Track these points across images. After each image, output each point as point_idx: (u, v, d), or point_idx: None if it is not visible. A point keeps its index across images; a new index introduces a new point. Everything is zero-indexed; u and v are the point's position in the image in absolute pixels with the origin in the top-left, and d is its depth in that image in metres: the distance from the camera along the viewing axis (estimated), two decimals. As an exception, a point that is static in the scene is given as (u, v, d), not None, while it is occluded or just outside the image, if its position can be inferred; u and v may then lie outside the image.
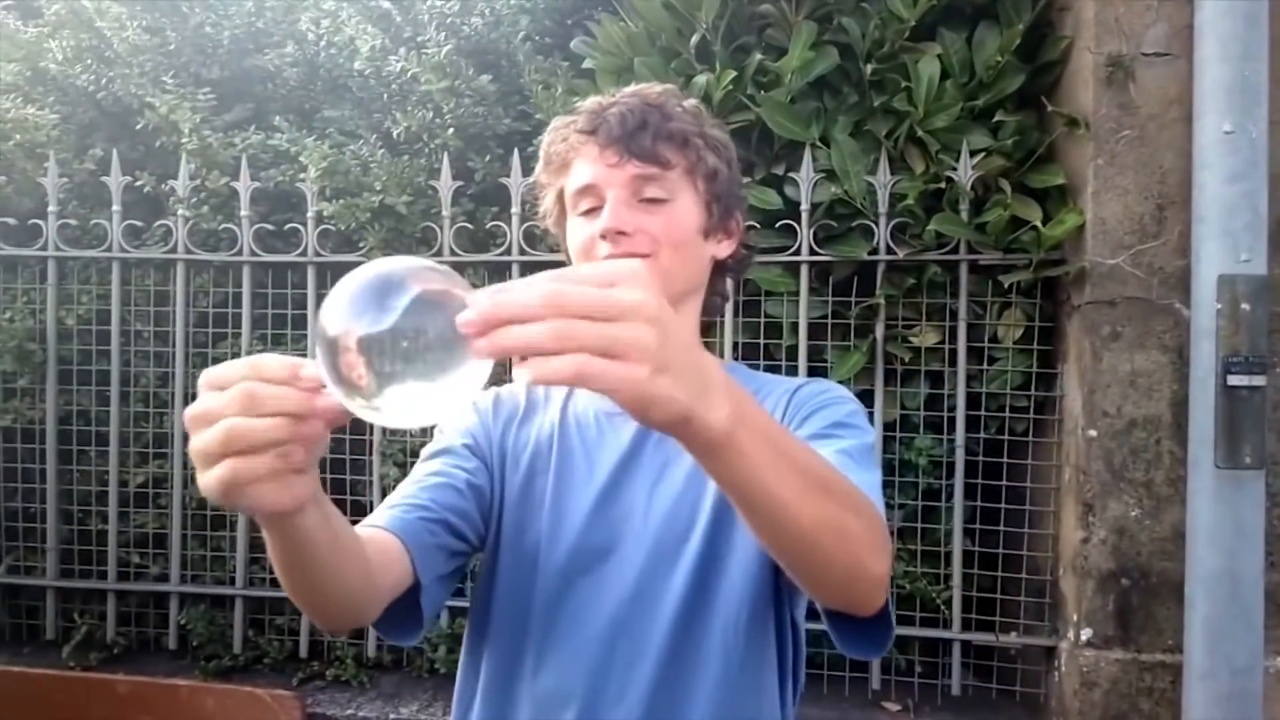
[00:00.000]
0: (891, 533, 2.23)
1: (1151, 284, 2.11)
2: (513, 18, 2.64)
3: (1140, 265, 2.12)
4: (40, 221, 2.60)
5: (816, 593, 0.78)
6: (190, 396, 2.56)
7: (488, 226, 2.51)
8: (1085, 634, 2.12)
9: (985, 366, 2.31)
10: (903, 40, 2.29)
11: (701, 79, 2.30)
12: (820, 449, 0.87)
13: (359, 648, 2.52)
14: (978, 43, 2.32)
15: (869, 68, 2.29)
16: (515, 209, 2.40)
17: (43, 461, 2.63)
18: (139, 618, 2.66)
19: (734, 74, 2.28)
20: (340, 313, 0.55)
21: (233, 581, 2.56)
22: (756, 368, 1.21)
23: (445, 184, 2.43)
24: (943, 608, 2.30)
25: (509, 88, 2.64)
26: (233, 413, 0.56)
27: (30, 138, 2.64)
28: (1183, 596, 2.06)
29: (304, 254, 2.50)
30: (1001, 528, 2.31)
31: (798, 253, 2.29)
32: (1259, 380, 1.98)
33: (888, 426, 2.32)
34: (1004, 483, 2.31)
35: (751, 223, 2.13)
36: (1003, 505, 2.31)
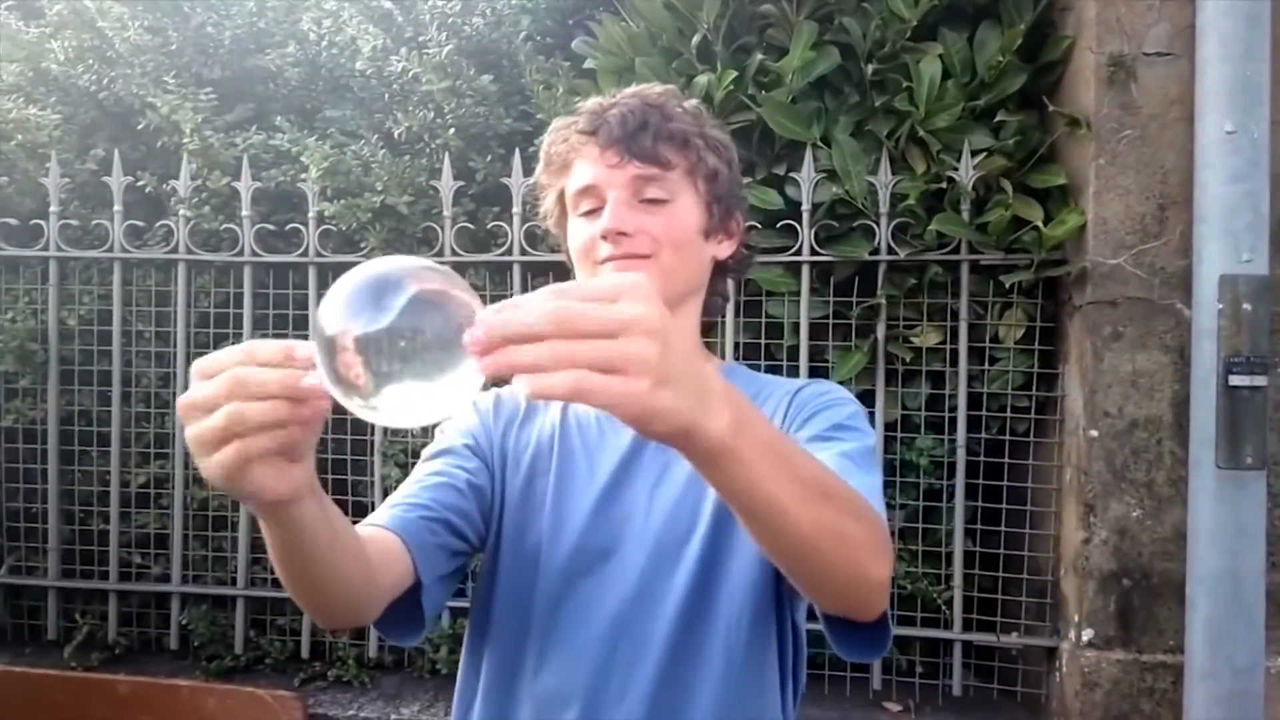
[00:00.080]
0: (892, 533, 2.24)
1: (1153, 284, 2.11)
2: (514, 18, 2.64)
3: (1142, 265, 2.11)
4: (42, 222, 2.60)
5: (817, 598, 0.78)
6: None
7: (489, 227, 2.51)
8: (1086, 634, 2.12)
9: (986, 367, 2.31)
10: (904, 40, 2.29)
11: (703, 79, 2.30)
12: (821, 451, 0.87)
13: (360, 648, 2.52)
14: (979, 43, 2.32)
15: (870, 68, 2.29)
16: (516, 209, 2.40)
17: (44, 462, 2.63)
18: (140, 618, 2.66)
19: (735, 74, 2.28)
20: (338, 312, 0.55)
21: (234, 582, 2.56)
22: (757, 368, 1.21)
23: (446, 184, 2.43)
24: (944, 608, 2.30)
25: (510, 88, 2.64)
26: (232, 398, 0.56)
27: (32, 138, 2.64)
28: (1184, 597, 2.06)
29: (305, 254, 2.50)
30: (1002, 528, 2.31)
31: (799, 253, 2.29)
32: (1260, 380, 1.97)
33: (889, 427, 2.31)
34: (1005, 483, 2.31)
35: (752, 223, 2.12)
36: (1004, 505, 2.31)
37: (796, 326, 2.31)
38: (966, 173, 2.20)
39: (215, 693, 2.43)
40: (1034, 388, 2.31)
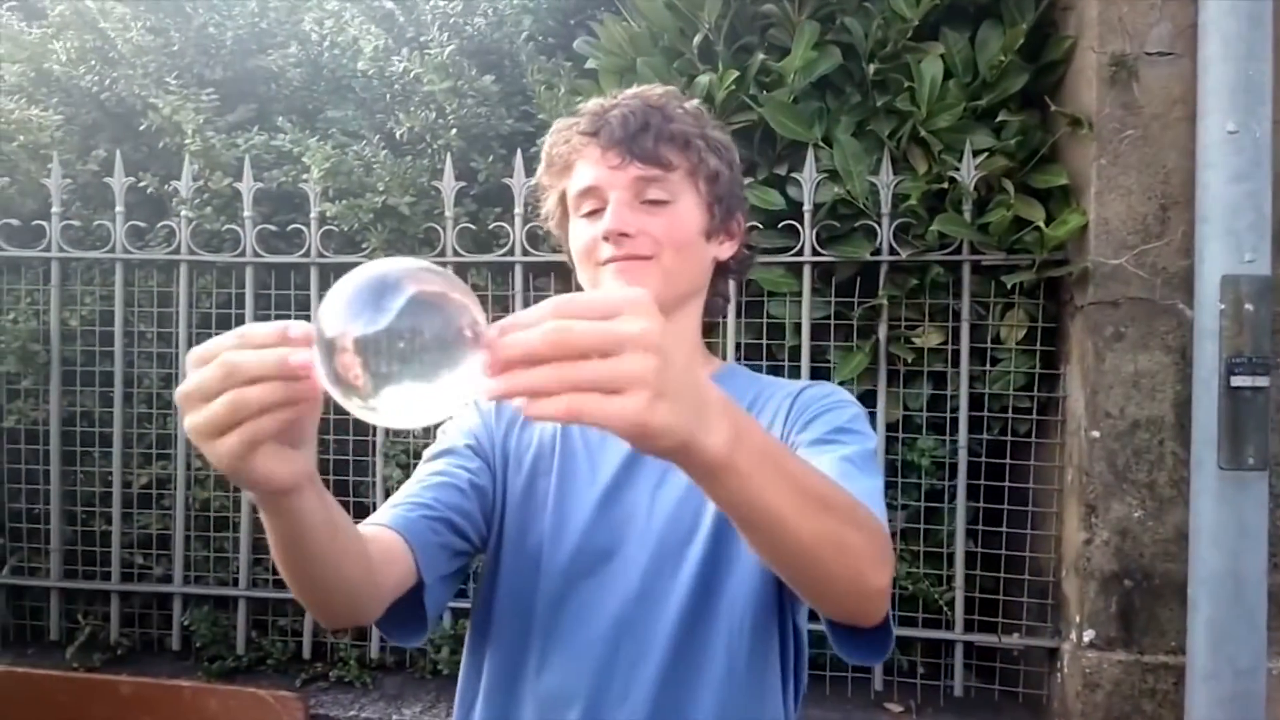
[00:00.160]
0: (894, 534, 2.24)
1: (1155, 284, 2.11)
2: (515, 18, 2.64)
3: (1143, 265, 2.11)
4: (44, 223, 2.61)
5: (818, 605, 0.79)
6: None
7: (490, 227, 2.51)
8: (1088, 635, 2.12)
9: (988, 367, 2.31)
10: (905, 40, 2.29)
11: (704, 79, 2.30)
12: (822, 455, 0.87)
13: (362, 649, 2.52)
14: (981, 42, 2.31)
15: (872, 68, 2.29)
16: (518, 209, 2.40)
17: (46, 462, 2.63)
18: (142, 619, 2.66)
19: (736, 74, 2.28)
20: (336, 313, 0.56)
21: (236, 583, 2.56)
22: (759, 369, 1.21)
23: (448, 185, 2.43)
24: (945, 609, 2.30)
25: (512, 88, 2.64)
26: (228, 384, 0.56)
27: (34, 139, 2.65)
28: (1185, 598, 2.06)
29: (307, 255, 2.50)
30: (1004, 529, 2.31)
31: (800, 253, 2.29)
32: (1262, 381, 1.97)
33: (890, 427, 2.31)
34: (1006, 484, 2.30)
35: (754, 223, 2.13)
36: (1005, 506, 2.30)
37: (798, 327, 2.31)
38: (968, 173, 2.20)
39: (217, 693, 2.43)
40: (1035, 388, 2.31)
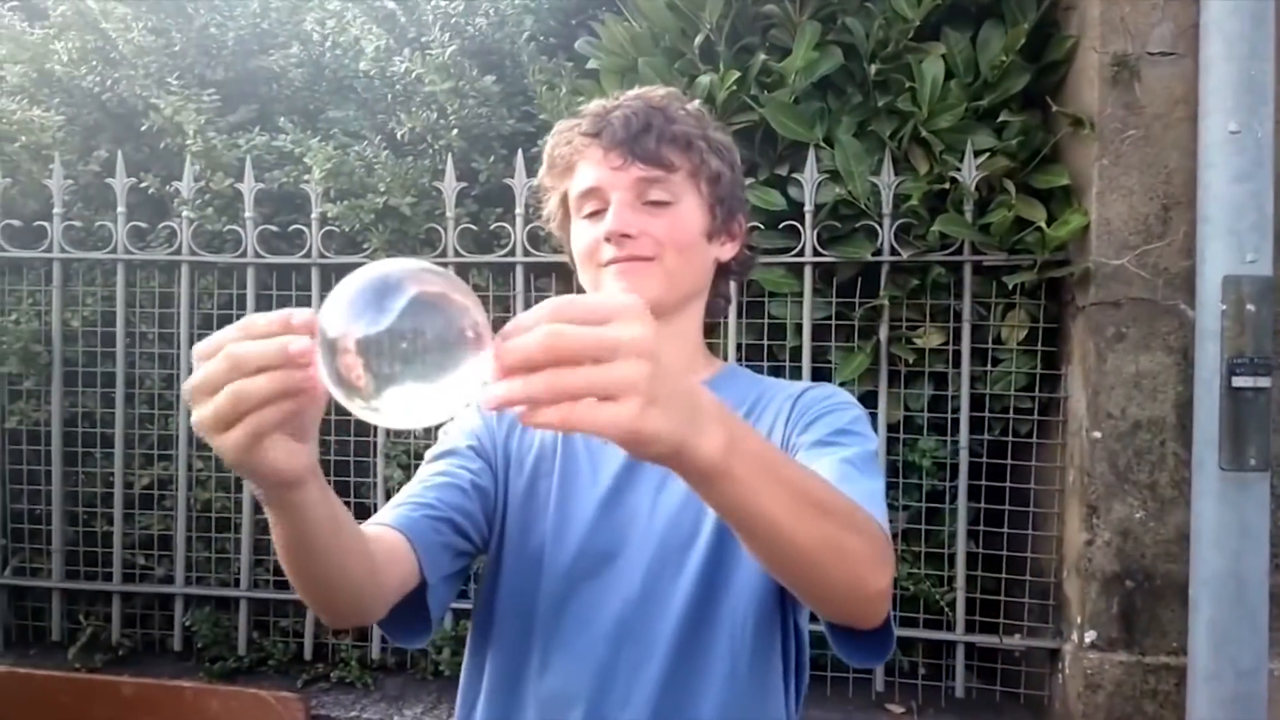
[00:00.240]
0: (895, 534, 2.24)
1: (1156, 285, 2.11)
2: (517, 18, 2.64)
3: (1145, 266, 2.11)
4: (45, 223, 2.61)
5: (818, 609, 0.79)
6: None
7: (492, 228, 2.51)
8: (1089, 636, 2.12)
9: (989, 368, 2.31)
10: (907, 40, 2.29)
11: (705, 79, 2.30)
12: (823, 457, 0.87)
13: (363, 650, 2.52)
14: (982, 42, 2.31)
15: (873, 68, 2.29)
16: (519, 210, 2.39)
17: (48, 463, 2.64)
18: (144, 619, 2.66)
19: (738, 74, 2.28)
20: (338, 314, 0.56)
21: (237, 583, 2.56)
22: (760, 369, 1.21)
23: (449, 185, 2.43)
24: (946, 610, 2.30)
25: (513, 88, 2.64)
26: (232, 376, 0.57)
27: (35, 139, 2.65)
28: (1187, 599, 2.06)
29: (308, 255, 2.51)
30: (1005, 529, 2.31)
31: (801, 254, 2.29)
32: (1264, 381, 1.97)
33: (891, 428, 2.31)
34: (1008, 484, 2.30)
35: (755, 224, 2.13)
36: (1006, 507, 2.30)
37: (799, 327, 2.31)
38: (969, 173, 2.20)
39: (218, 694, 2.43)
40: (1037, 389, 2.31)
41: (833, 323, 2.34)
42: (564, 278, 2.38)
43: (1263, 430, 1.97)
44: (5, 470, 2.69)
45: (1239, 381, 1.97)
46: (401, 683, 2.50)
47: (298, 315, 0.57)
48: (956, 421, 2.29)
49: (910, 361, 2.31)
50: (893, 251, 2.27)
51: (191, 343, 2.53)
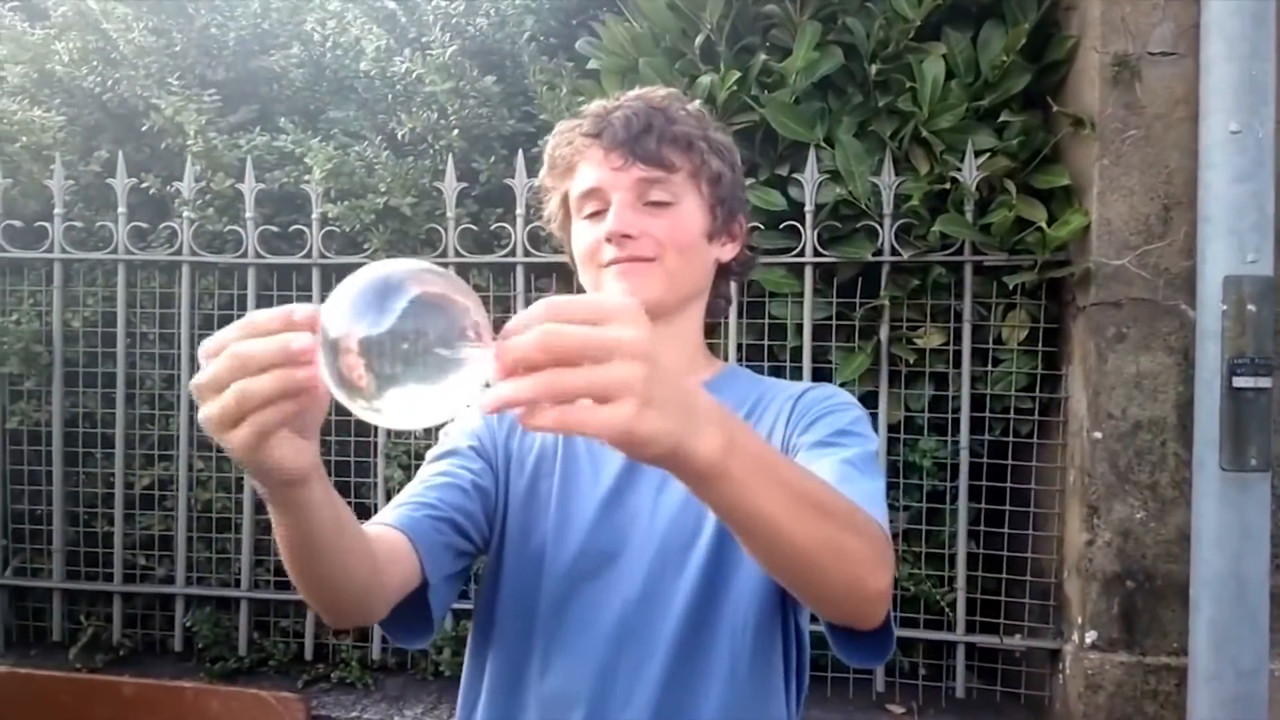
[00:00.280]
0: (895, 535, 2.24)
1: (1157, 285, 2.11)
2: (518, 18, 2.64)
3: (1146, 266, 2.11)
4: (46, 224, 2.61)
5: (817, 609, 0.79)
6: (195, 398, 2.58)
7: (492, 228, 2.51)
8: (1090, 636, 2.12)
9: (990, 368, 2.31)
10: (907, 40, 2.29)
11: (706, 79, 2.30)
12: (823, 458, 0.87)
13: (364, 650, 2.52)
14: (983, 42, 2.31)
15: (874, 68, 2.29)
16: (520, 210, 2.39)
17: (49, 464, 2.64)
18: (145, 620, 2.66)
19: (738, 74, 2.28)
20: (340, 315, 0.56)
21: (238, 584, 2.56)
22: (760, 370, 1.21)
23: (450, 185, 2.43)
24: (947, 610, 2.30)
25: (513, 88, 2.64)
26: (236, 375, 0.57)
27: (36, 140, 2.65)
28: (1188, 599, 2.06)
29: (309, 256, 2.51)
30: (1006, 530, 2.31)
31: (802, 254, 2.29)
32: (1265, 382, 1.97)
33: (892, 428, 2.31)
34: (1008, 485, 2.30)
35: (755, 224, 2.13)
36: (1007, 507, 2.30)
37: (799, 328, 2.31)
38: (970, 173, 2.20)
39: (219, 694, 2.43)
40: (1037, 389, 2.31)
41: (833, 323, 2.34)
42: (565, 278, 2.38)
43: (1263, 430, 1.97)
44: (6, 470, 2.69)
45: (1240, 382, 1.96)
46: (402, 683, 2.50)
47: (299, 311, 0.57)
48: (957, 422, 2.29)
49: (911, 362, 2.31)
50: (893, 252, 2.27)
51: (192, 343, 2.55)
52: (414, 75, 2.53)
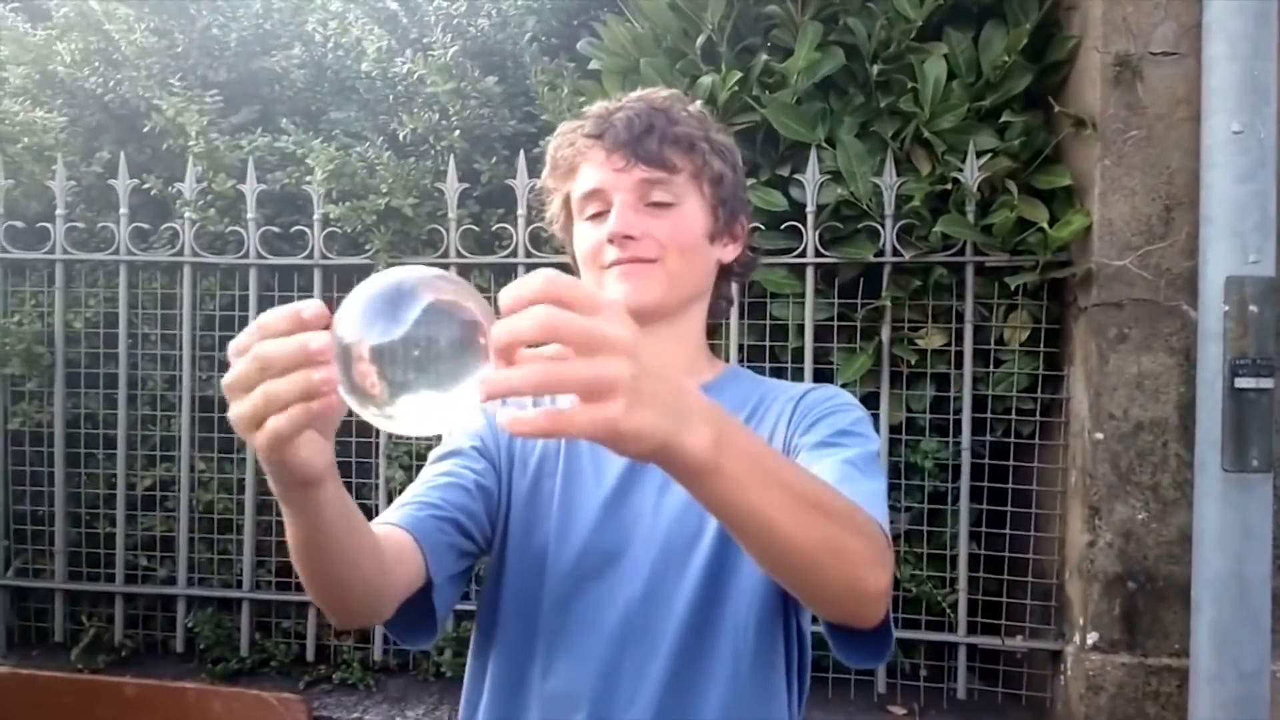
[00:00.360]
0: (897, 536, 2.24)
1: (1159, 285, 2.10)
2: (519, 19, 2.64)
3: (1147, 267, 2.11)
4: (48, 225, 2.61)
5: (816, 608, 0.79)
6: (197, 399, 2.57)
7: (494, 229, 2.51)
8: (1091, 638, 2.12)
9: (991, 369, 2.31)
10: (909, 40, 2.29)
11: (707, 80, 2.30)
12: (825, 458, 0.87)
13: (365, 651, 2.52)
14: (984, 43, 2.31)
15: (875, 68, 2.29)
16: (521, 211, 2.40)
17: (51, 464, 2.64)
18: (146, 620, 2.66)
19: (740, 75, 2.28)
20: (353, 323, 0.56)
21: (240, 585, 2.56)
22: (762, 371, 1.21)
23: (451, 186, 2.43)
24: (948, 611, 2.30)
25: (515, 89, 2.64)
26: (262, 376, 0.57)
27: (38, 141, 2.65)
28: (1189, 600, 2.05)
29: (310, 257, 2.51)
30: (1007, 531, 2.30)
31: (803, 254, 2.29)
32: (1266, 383, 1.97)
33: (893, 429, 2.31)
34: (1010, 486, 2.30)
35: (757, 225, 2.13)
36: (1009, 508, 2.30)
37: (801, 329, 2.31)
38: (971, 174, 2.20)
39: (221, 695, 2.43)
40: (1039, 390, 2.30)
41: (835, 324, 2.34)
42: (566, 279, 2.37)
43: (1265, 431, 1.97)
44: (8, 471, 2.69)
45: (1241, 383, 1.96)
46: (403, 684, 2.50)
47: (308, 308, 0.58)
48: (958, 423, 2.29)
49: (912, 363, 2.31)
50: (895, 252, 2.27)
51: (194, 344, 2.55)
52: (415, 76, 2.53)
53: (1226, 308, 1.98)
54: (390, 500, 0.91)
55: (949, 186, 2.26)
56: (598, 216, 1.00)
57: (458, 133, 2.52)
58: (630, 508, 0.97)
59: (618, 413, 0.54)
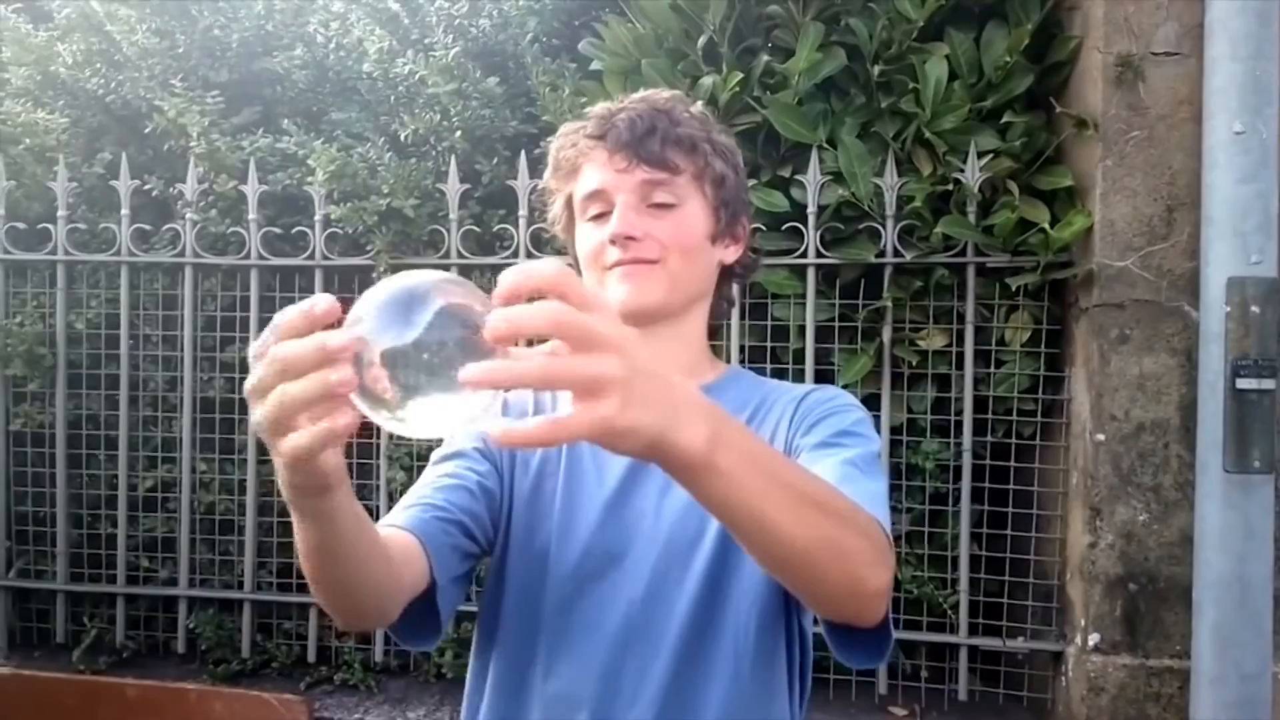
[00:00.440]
0: (898, 537, 2.24)
1: (1160, 286, 2.10)
2: (520, 19, 2.64)
3: (1149, 267, 2.11)
4: (50, 226, 2.62)
5: (815, 608, 0.79)
6: (199, 400, 2.58)
7: (495, 229, 2.51)
8: (1093, 639, 2.12)
9: (992, 370, 2.31)
10: (910, 41, 2.29)
11: (708, 80, 2.30)
12: (825, 459, 0.87)
13: (366, 652, 2.52)
14: (986, 43, 2.31)
15: (876, 69, 2.29)
16: (523, 211, 2.40)
17: (52, 466, 2.64)
18: (148, 622, 2.67)
19: (741, 75, 2.28)
20: (365, 327, 0.56)
21: (241, 586, 2.56)
22: (763, 371, 1.21)
23: (453, 187, 2.43)
24: (949, 612, 2.30)
25: (516, 90, 2.64)
26: (281, 380, 0.57)
27: (40, 142, 2.66)
28: (1191, 601, 2.05)
29: (311, 257, 2.51)
30: (1009, 532, 2.30)
31: (805, 255, 2.29)
32: (1268, 383, 1.97)
33: (894, 430, 2.31)
34: (1011, 486, 2.30)
35: (758, 225, 2.13)
36: (1010, 509, 2.30)
37: (802, 329, 2.31)
38: (973, 174, 2.20)
39: (222, 696, 2.43)
40: (1040, 391, 2.30)
41: (836, 325, 2.34)
42: (567, 279, 2.37)
43: (1267, 432, 1.97)
44: (10, 473, 2.69)
45: (1243, 383, 1.96)
46: (404, 685, 2.50)
47: (319, 305, 0.57)
48: (959, 424, 2.29)
49: (913, 363, 2.31)
50: (896, 253, 2.27)
51: (195, 345, 2.56)
52: (417, 77, 2.53)
53: (1228, 308, 1.98)
54: (392, 501, 0.91)
55: (950, 187, 2.26)
56: (600, 217, 1.00)
57: (459, 133, 2.52)
58: (632, 508, 0.97)
59: (612, 410, 0.54)
